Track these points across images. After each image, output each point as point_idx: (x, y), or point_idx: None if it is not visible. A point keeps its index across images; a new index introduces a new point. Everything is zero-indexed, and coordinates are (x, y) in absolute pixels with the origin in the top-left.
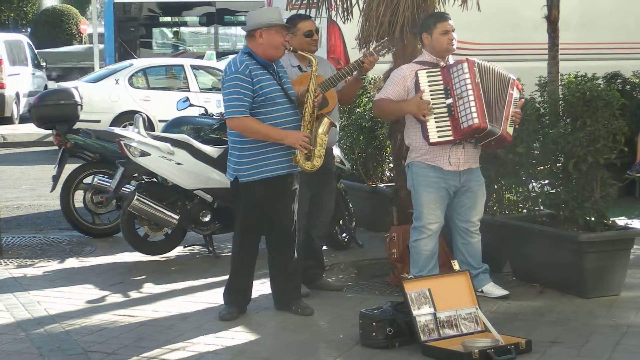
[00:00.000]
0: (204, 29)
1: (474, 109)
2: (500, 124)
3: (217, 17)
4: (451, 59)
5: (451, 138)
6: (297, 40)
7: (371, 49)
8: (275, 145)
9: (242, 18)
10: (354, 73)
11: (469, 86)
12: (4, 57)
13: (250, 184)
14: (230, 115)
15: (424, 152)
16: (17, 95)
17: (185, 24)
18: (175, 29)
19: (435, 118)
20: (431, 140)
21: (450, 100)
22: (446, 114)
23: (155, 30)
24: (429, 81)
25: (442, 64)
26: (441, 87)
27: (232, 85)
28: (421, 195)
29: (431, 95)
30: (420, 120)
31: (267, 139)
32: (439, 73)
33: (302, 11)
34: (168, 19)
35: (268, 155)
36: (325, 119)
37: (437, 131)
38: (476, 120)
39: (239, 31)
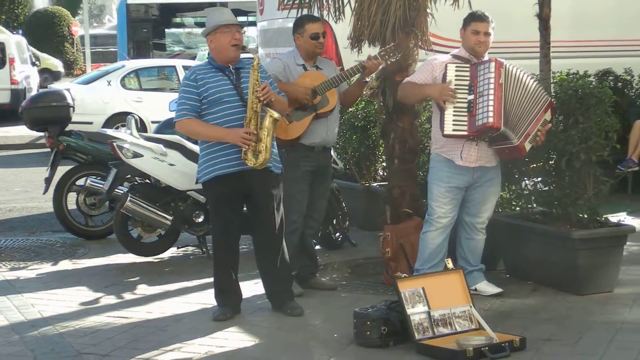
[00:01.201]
0: None
1: (491, 108)
2: (520, 134)
3: None
4: (487, 58)
5: (465, 133)
6: (304, 41)
7: (376, 54)
8: (224, 144)
9: (254, 18)
10: (357, 76)
11: (492, 85)
12: (15, 56)
13: (207, 183)
14: (175, 119)
15: (442, 145)
16: (25, 91)
17: (197, 24)
18: (187, 29)
19: (454, 111)
20: (445, 132)
21: (471, 97)
22: (465, 109)
23: (168, 31)
24: (456, 75)
25: (474, 61)
26: (467, 82)
27: (180, 90)
28: (433, 188)
29: (456, 88)
30: (440, 110)
31: (210, 139)
32: (468, 69)
33: (294, 11)
34: (180, 19)
35: (218, 154)
36: (268, 114)
37: (453, 124)
38: (491, 120)
39: (251, 32)
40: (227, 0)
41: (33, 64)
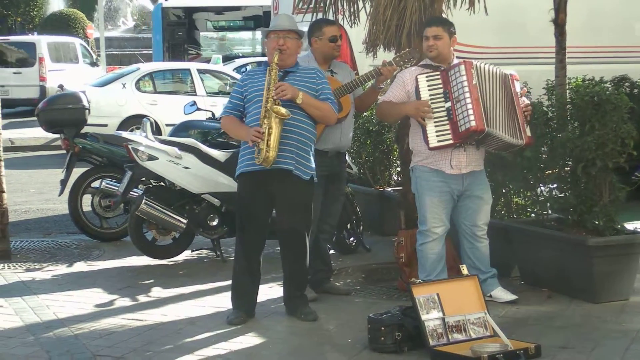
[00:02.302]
0: (249, 33)
1: (470, 112)
2: (518, 133)
3: (264, 21)
4: (457, 61)
5: (451, 142)
6: (322, 44)
7: (391, 60)
8: None
9: None
10: (372, 82)
11: (466, 88)
12: (45, 55)
13: (237, 179)
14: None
15: (426, 156)
16: (61, 87)
17: (231, 28)
18: (222, 33)
19: (435, 122)
20: (431, 145)
21: (449, 104)
22: (445, 118)
23: (203, 34)
24: (428, 85)
25: (443, 67)
26: (441, 90)
27: None
28: (424, 199)
29: (431, 99)
30: (421, 124)
31: (237, 137)
32: (439, 76)
33: (308, 15)
34: (215, 23)
35: (245, 152)
36: (274, 114)
37: (437, 135)
38: (473, 123)
39: None
40: (262, 3)
41: (93, 64)
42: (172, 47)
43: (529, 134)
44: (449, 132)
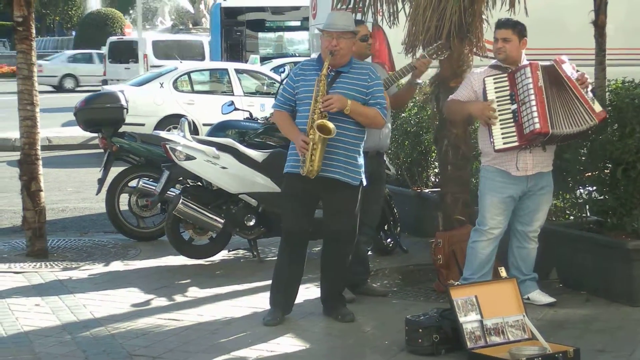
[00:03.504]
0: (306, 33)
1: (535, 114)
2: (584, 118)
3: None
4: (524, 64)
5: (516, 144)
6: (356, 44)
7: (424, 52)
8: None
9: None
10: (408, 78)
11: (531, 90)
12: (149, 53)
13: (284, 176)
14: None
15: (494, 157)
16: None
17: (289, 28)
18: (279, 33)
19: (501, 124)
20: (496, 147)
21: (515, 106)
22: (511, 120)
23: (260, 34)
24: (495, 88)
25: (512, 68)
26: (507, 92)
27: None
28: (487, 199)
29: (498, 101)
30: (487, 125)
31: (286, 136)
32: (506, 79)
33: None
34: (272, 23)
35: (292, 152)
36: (317, 131)
37: (503, 137)
38: (537, 125)
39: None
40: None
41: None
42: (230, 46)
43: (598, 109)
44: (514, 134)
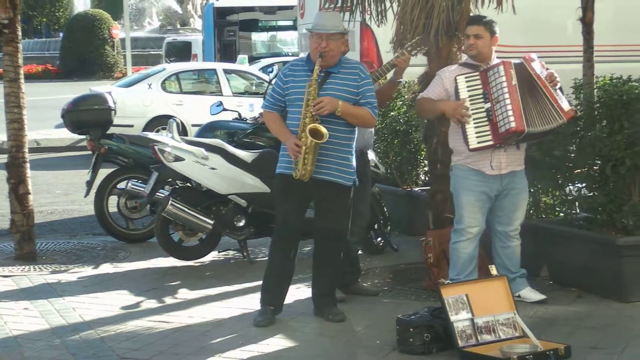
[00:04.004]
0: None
1: (510, 112)
2: (553, 116)
3: None
4: (497, 61)
5: (491, 143)
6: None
7: (403, 49)
8: None
9: None
10: (390, 76)
11: (505, 89)
12: (198, 53)
13: (276, 176)
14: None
15: (466, 156)
16: None
17: (282, 27)
18: (272, 33)
19: (474, 123)
20: (471, 147)
21: (488, 105)
22: (485, 119)
23: (253, 34)
24: (467, 86)
25: (482, 67)
26: (480, 91)
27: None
28: (462, 198)
29: (470, 100)
30: (461, 124)
31: (277, 137)
32: (478, 77)
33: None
34: (265, 22)
35: (284, 153)
36: (310, 136)
37: (477, 136)
38: (513, 124)
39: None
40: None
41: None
42: (224, 47)
43: (566, 107)
44: (489, 133)
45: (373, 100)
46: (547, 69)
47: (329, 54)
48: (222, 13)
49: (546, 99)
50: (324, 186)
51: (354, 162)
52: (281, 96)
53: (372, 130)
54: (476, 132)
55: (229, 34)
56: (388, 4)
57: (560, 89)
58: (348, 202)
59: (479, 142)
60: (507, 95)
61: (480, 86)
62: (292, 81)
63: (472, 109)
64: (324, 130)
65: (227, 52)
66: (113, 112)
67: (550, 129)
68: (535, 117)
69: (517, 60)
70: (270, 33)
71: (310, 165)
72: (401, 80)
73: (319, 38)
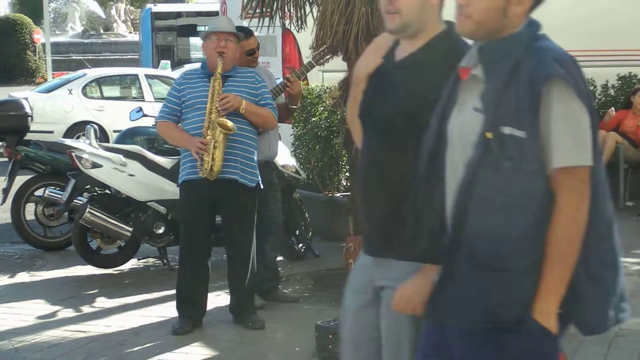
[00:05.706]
0: None
1: None
2: None
3: None
4: None
5: None
6: (242, 57)
7: (310, 59)
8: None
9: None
10: (284, 99)
11: None
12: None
13: (179, 187)
14: (155, 119)
15: None
16: None
17: None
18: None
19: None
20: None
21: None
22: None
23: (191, 39)
24: None
25: None
26: None
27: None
28: None
29: None
30: None
31: (178, 144)
32: None
33: (255, 20)
34: (203, 27)
35: (187, 160)
36: (218, 127)
37: None
38: None
39: None
40: None
41: None
42: (161, 51)
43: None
44: None
45: (272, 102)
46: None
47: (227, 55)
48: (159, 18)
49: None
50: (229, 188)
51: (256, 165)
52: (177, 105)
53: (278, 139)
54: None
55: (167, 39)
56: (308, 9)
57: None
58: (254, 206)
59: None
60: None
61: None
62: (189, 87)
63: None
64: (230, 123)
65: (164, 57)
66: (30, 118)
67: None
68: None
69: None
70: None
71: (219, 160)
72: (295, 107)
73: (218, 39)
